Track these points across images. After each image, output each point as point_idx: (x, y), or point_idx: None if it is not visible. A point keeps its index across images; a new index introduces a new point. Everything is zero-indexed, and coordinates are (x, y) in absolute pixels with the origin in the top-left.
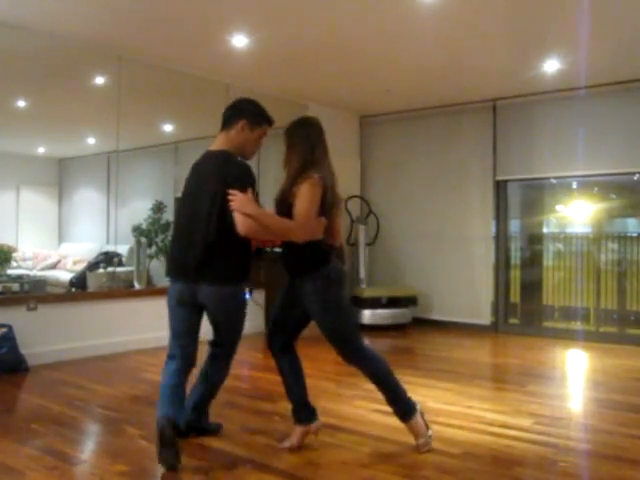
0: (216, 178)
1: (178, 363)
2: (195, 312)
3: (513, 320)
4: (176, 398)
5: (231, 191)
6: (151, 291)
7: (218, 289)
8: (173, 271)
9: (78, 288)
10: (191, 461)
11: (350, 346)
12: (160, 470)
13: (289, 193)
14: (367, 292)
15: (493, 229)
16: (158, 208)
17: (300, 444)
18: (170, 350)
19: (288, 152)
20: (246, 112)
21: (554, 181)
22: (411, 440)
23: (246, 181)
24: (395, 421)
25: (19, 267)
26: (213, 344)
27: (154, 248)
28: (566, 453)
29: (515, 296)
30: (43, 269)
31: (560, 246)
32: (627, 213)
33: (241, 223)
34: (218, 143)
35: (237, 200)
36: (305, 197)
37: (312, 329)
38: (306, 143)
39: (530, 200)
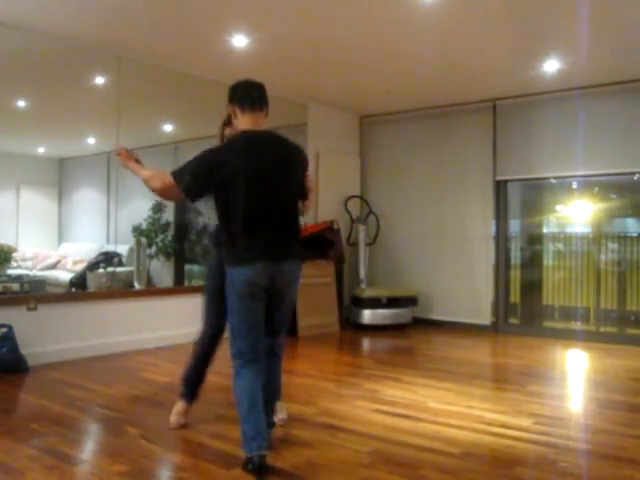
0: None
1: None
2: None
3: (513, 320)
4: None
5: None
6: (151, 291)
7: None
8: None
9: (78, 288)
10: (191, 461)
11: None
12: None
13: None
14: (367, 292)
15: (493, 229)
16: (158, 208)
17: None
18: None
19: None
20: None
21: (554, 181)
22: (411, 440)
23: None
24: (395, 421)
25: (19, 267)
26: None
27: (154, 248)
28: (566, 453)
29: (515, 296)
30: (43, 269)
31: (560, 246)
32: (627, 213)
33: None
34: (261, 124)
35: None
36: None
37: (313, 328)
38: None
39: (530, 200)
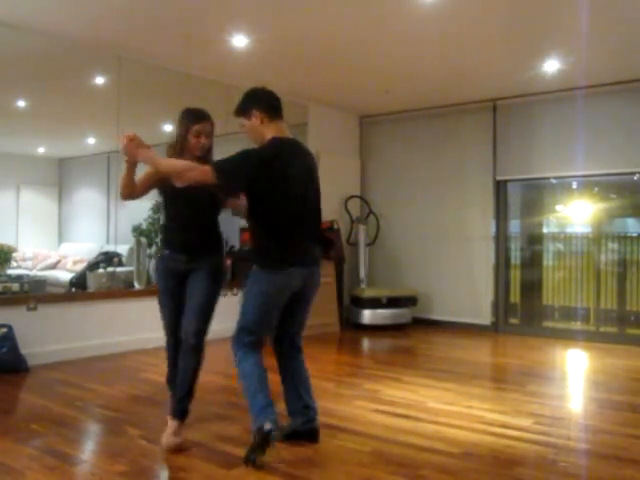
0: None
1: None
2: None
3: (513, 320)
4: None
5: None
6: (151, 291)
7: None
8: None
9: (78, 288)
10: (191, 461)
11: None
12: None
13: None
14: (367, 292)
15: (493, 229)
16: (158, 208)
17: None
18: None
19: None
20: None
21: (554, 181)
22: (411, 440)
23: None
24: (395, 421)
25: (19, 267)
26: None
27: (154, 248)
28: (566, 453)
29: (515, 296)
30: (43, 269)
31: (560, 246)
32: (627, 213)
33: None
34: (288, 131)
35: None
36: None
37: (313, 328)
38: None
39: (530, 200)
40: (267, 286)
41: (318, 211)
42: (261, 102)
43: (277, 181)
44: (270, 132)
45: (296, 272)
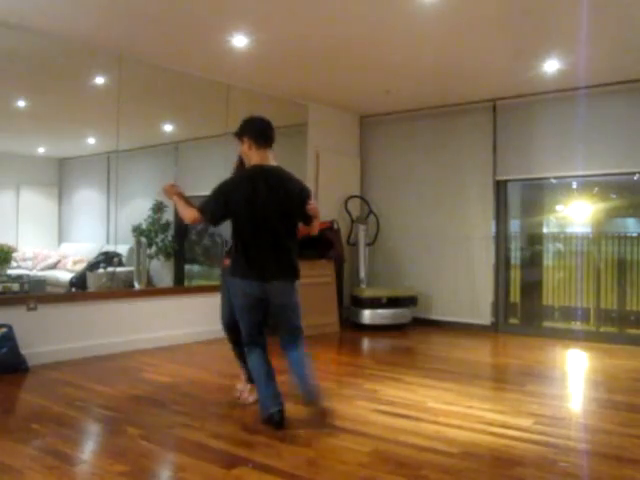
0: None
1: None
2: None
3: (513, 320)
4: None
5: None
6: (151, 291)
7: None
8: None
9: (78, 288)
10: (191, 461)
11: None
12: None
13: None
14: (367, 292)
15: (493, 229)
16: (158, 208)
17: None
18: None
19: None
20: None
21: (554, 181)
22: (411, 440)
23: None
24: (395, 421)
25: (19, 267)
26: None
27: (154, 248)
28: (566, 453)
29: (515, 296)
30: (43, 269)
31: (560, 246)
32: (627, 213)
33: (316, 226)
34: (270, 159)
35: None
36: None
37: (313, 328)
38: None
39: (530, 200)
40: (235, 290)
41: (281, 231)
42: (252, 130)
43: (234, 206)
44: (254, 159)
45: (254, 284)
